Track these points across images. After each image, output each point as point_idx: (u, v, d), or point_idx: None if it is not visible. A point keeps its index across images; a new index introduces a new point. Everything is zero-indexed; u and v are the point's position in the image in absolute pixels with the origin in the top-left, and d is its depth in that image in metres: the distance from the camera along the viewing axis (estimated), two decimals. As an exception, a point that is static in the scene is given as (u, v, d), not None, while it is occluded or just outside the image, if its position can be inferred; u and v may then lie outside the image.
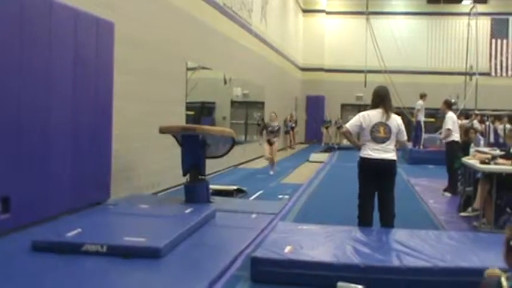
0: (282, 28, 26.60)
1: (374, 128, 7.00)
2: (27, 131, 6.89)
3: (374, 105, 7.14)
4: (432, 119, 25.80)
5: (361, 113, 7.21)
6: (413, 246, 5.99)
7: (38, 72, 7.12)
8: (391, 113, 7.12)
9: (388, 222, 7.11)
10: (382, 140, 6.99)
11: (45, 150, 7.29)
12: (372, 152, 6.99)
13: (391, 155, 7.04)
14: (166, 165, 10.97)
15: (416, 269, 5.34)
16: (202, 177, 9.28)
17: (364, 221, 7.11)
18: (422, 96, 19.98)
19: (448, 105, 11.84)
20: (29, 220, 6.95)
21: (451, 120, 11.38)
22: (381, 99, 7.14)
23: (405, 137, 7.31)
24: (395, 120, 7.12)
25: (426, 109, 20.60)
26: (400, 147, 7.43)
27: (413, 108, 21.00)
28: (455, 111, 12.22)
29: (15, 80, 6.67)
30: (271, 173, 15.19)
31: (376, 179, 7.04)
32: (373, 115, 7.07)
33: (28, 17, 6.87)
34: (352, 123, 7.16)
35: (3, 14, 6.46)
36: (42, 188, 7.25)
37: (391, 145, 7.04)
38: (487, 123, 19.90)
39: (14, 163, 6.69)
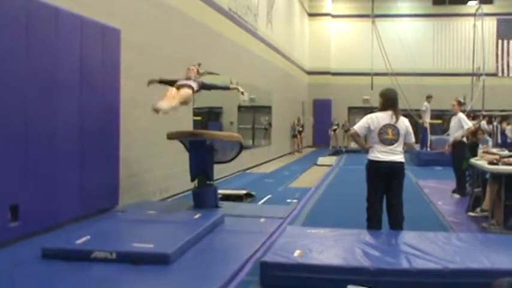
0: (288, 32, 26.61)
1: (382, 130, 6.99)
2: (34, 139, 6.91)
3: (384, 108, 7.13)
4: (439, 121, 25.75)
5: (369, 115, 7.20)
6: (422, 249, 5.96)
7: (45, 80, 7.15)
8: (400, 115, 7.12)
9: (397, 225, 7.08)
10: (390, 142, 6.98)
11: (52, 158, 7.31)
12: (380, 154, 6.98)
13: (400, 157, 7.04)
14: (174, 171, 10.98)
15: (426, 271, 5.31)
16: (210, 182, 9.28)
17: (373, 224, 7.09)
18: (428, 98, 19.97)
19: (461, 105, 11.87)
20: (38, 228, 6.98)
21: (465, 120, 11.36)
22: (392, 102, 7.14)
23: (413, 139, 7.31)
24: (404, 123, 7.12)
25: (432, 111, 20.57)
26: (407, 149, 7.42)
27: (419, 110, 20.99)
28: (463, 112, 12.18)
29: (22, 88, 6.70)
30: None
31: (385, 181, 7.03)
32: (382, 117, 7.06)
33: (34, 26, 6.90)
34: (360, 125, 7.15)
35: (9, 23, 6.50)
36: (51, 196, 7.27)
37: (399, 147, 7.03)
38: (495, 123, 19.85)
39: (22, 171, 6.72)
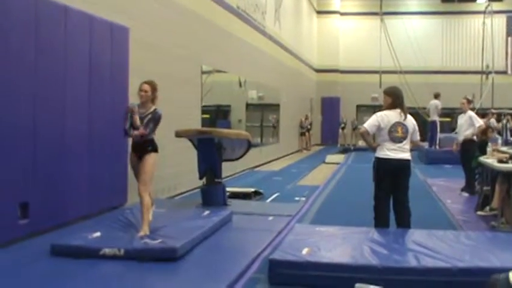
0: (296, 30, 26.57)
1: (392, 128, 7.01)
2: (44, 137, 6.94)
3: (392, 106, 7.13)
4: (448, 119, 25.66)
5: (379, 113, 7.19)
6: (431, 247, 5.95)
7: (54, 78, 7.17)
8: (407, 113, 7.14)
9: (405, 222, 7.10)
10: (400, 140, 7.01)
11: (62, 156, 7.34)
12: (390, 152, 7.00)
13: (408, 155, 7.08)
14: (182, 169, 11.00)
15: (434, 270, 5.30)
16: (219, 180, 9.29)
17: (381, 222, 7.10)
18: (437, 96, 19.88)
19: (470, 103, 11.85)
20: (47, 225, 7.01)
21: (476, 118, 11.32)
22: (401, 100, 7.19)
23: (419, 137, 7.37)
24: (411, 121, 7.16)
25: (441, 108, 20.50)
26: (413, 147, 7.41)
27: (426, 109, 20.92)
28: (472, 109, 12.13)
29: (31, 86, 6.72)
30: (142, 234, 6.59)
31: (393, 179, 7.04)
32: (391, 115, 7.08)
33: (43, 24, 6.93)
34: (371, 123, 7.14)
35: (18, 21, 6.52)
36: (60, 193, 7.30)
37: (407, 145, 7.08)
38: (504, 121, 19.76)
39: (32, 169, 6.75)
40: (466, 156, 11.23)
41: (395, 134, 7.02)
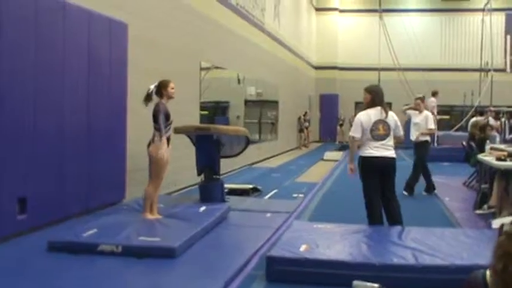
0: (295, 27, 26.56)
1: (374, 127, 7.09)
2: (42, 132, 6.93)
3: (373, 104, 7.20)
4: (447, 116, 25.65)
5: (360, 114, 7.28)
6: (429, 245, 5.95)
7: (53, 74, 7.16)
8: (388, 110, 7.20)
9: (396, 216, 7.14)
10: (382, 138, 7.08)
11: (60, 151, 7.33)
12: (373, 150, 7.07)
13: (392, 153, 7.17)
14: (180, 165, 10.97)
15: (432, 267, 5.30)
16: (217, 176, 9.29)
17: (374, 220, 7.12)
18: (434, 94, 19.87)
19: (424, 101, 11.86)
20: (45, 221, 7.01)
21: (432, 119, 11.34)
22: (381, 98, 7.25)
23: (401, 132, 7.42)
24: (393, 117, 7.25)
25: (440, 106, 20.47)
26: (397, 143, 7.41)
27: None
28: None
29: (31, 82, 6.71)
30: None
31: (379, 177, 7.08)
32: (373, 114, 7.15)
33: (42, 19, 6.91)
34: (355, 128, 7.23)
35: (17, 17, 6.50)
36: (58, 189, 7.29)
37: (390, 141, 7.16)
38: (503, 119, 19.73)
39: (30, 164, 6.74)
40: (420, 156, 11.26)
41: (377, 132, 7.07)
